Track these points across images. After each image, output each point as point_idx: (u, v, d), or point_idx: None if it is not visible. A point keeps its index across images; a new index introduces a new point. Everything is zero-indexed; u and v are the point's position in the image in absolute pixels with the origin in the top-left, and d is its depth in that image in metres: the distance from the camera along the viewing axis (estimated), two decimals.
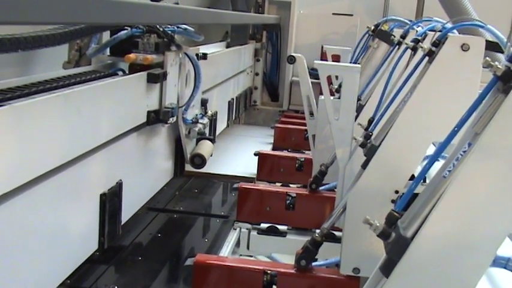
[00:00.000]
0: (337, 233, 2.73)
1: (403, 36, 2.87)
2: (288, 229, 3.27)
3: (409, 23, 3.22)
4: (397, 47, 2.95)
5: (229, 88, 4.86)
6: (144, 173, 2.81)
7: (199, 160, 3.22)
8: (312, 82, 3.71)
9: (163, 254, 2.87)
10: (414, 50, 2.41)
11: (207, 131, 3.47)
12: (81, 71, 2.42)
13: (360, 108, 3.07)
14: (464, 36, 2.03)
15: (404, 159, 2.14)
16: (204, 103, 3.43)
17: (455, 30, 2.07)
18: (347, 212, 2.25)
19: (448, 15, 4.97)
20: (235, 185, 3.32)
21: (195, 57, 3.08)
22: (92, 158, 2.13)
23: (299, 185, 3.83)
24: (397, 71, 2.58)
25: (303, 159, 3.96)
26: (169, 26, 2.81)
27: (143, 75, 2.58)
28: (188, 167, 3.36)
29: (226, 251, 2.98)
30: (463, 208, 1.27)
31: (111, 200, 2.29)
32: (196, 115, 3.26)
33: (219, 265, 2.44)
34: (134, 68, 2.60)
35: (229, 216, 3.40)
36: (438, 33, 2.08)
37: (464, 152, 1.28)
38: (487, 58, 1.28)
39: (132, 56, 2.57)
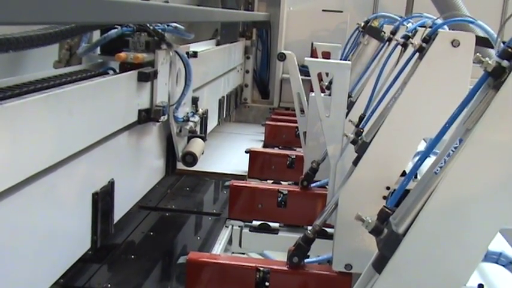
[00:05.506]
0: (329, 230, 2.73)
1: (393, 33, 2.88)
2: (280, 226, 3.28)
3: (399, 19, 3.23)
4: (387, 43, 2.96)
5: (220, 86, 4.86)
6: (135, 172, 2.80)
7: (190, 158, 3.21)
8: (302, 79, 3.71)
9: (156, 252, 2.87)
10: (404, 46, 2.41)
11: (198, 129, 3.46)
12: (71, 71, 2.41)
13: (350, 105, 3.07)
14: (454, 32, 2.04)
15: (396, 155, 2.14)
16: (194, 101, 3.43)
17: (445, 26, 2.08)
18: (339, 208, 2.26)
19: (439, 11, 4.98)
20: (227, 183, 3.31)
21: (186, 56, 3.07)
22: (83, 158, 2.12)
23: (290, 182, 3.83)
24: (387, 68, 2.58)
25: (294, 157, 3.95)
26: (159, 25, 2.80)
27: (134, 74, 2.58)
28: (180, 165, 3.35)
29: (218, 248, 2.98)
30: (454, 204, 1.27)
31: (103, 199, 2.29)
32: (187, 113, 3.25)
33: (211, 263, 2.44)
34: (125, 66, 2.60)
35: (221, 214, 3.40)
36: (428, 29, 2.08)
37: (455, 148, 1.28)
38: (478, 54, 1.29)
39: (122, 54, 2.56)
